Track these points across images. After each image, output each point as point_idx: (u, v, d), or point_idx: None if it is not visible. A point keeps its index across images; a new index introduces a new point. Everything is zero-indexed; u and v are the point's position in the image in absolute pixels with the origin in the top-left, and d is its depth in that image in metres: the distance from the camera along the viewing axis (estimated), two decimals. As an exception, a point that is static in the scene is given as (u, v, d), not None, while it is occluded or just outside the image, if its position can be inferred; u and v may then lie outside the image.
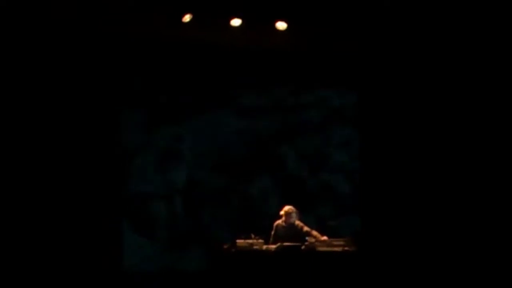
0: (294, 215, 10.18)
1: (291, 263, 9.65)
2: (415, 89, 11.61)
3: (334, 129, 12.22)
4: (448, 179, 11.23)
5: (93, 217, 10.92)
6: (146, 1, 10.35)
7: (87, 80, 11.10)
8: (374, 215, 11.63)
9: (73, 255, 10.66)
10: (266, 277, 9.63)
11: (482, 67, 11.10)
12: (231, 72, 11.76)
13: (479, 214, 10.96)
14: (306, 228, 10.14)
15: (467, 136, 11.21)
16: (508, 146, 10.95)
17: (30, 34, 10.59)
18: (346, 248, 9.77)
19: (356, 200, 11.96)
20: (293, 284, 9.60)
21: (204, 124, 11.91)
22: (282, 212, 10.23)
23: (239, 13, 10.66)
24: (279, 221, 10.26)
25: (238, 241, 9.79)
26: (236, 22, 10.70)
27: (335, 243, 9.84)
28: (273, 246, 9.84)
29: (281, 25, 10.83)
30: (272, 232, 10.20)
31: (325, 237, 9.98)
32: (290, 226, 10.15)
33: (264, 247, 9.83)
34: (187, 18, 10.45)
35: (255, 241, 9.80)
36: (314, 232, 10.07)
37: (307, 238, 9.85)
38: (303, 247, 9.72)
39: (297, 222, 10.20)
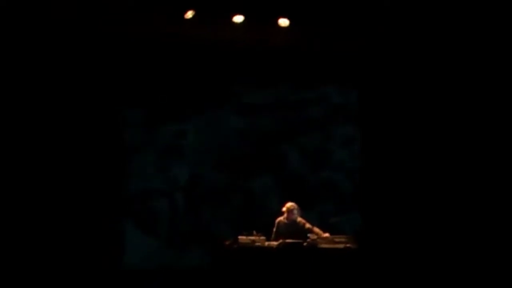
0: (295, 212, 10.19)
1: (293, 260, 9.65)
2: (416, 87, 11.59)
3: (335, 127, 12.21)
4: (449, 174, 11.21)
5: (94, 215, 10.93)
6: (146, 0, 10.34)
7: (88, 79, 11.12)
8: (376, 212, 11.61)
9: (74, 252, 10.67)
10: (268, 274, 9.63)
11: (482, 67, 11.09)
12: (233, 69, 11.75)
13: (479, 214, 10.94)
14: (308, 225, 10.14)
15: (468, 135, 11.19)
16: (509, 142, 10.94)
17: (31, 34, 10.59)
18: (347, 245, 9.77)
19: (357, 197, 11.95)
20: (294, 281, 9.60)
21: (205, 122, 11.93)
22: (284, 209, 10.24)
23: (241, 10, 10.64)
24: (281, 218, 10.26)
25: (240, 237, 9.80)
26: (238, 19, 10.67)
27: (337, 240, 9.85)
28: (275, 243, 9.85)
29: (283, 22, 10.79)
30: (274, 229, 10.21)
31: (326, 234, 9.98)
32: (292, 223, 10.15)
33: (266, 243, 9.85)
34: (189, 14, 10.43)
35: (257, 237, 9.81)
36: (316, 229, 10.08)
37: (309, 235, 9.86)
38: (305, 244, 9.72)
39: (299, 219, 10.21)
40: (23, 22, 10.44)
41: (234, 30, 10.83)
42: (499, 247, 10.73)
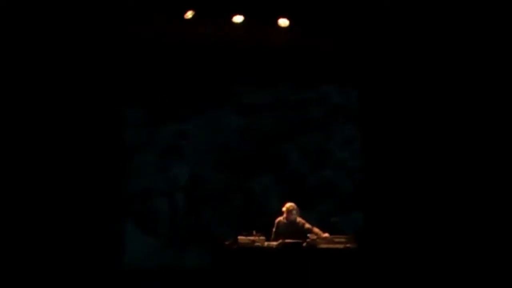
0: (295, 212, 10.19)
1: (293, 260, 9.65)
2: (417, 86, 11.59)
3: (336, 126, 12.23)
4: (449, 174, 11.21)
5: (95, 214, 10.94)
6: (146, 0, 10.35)
7: (89, 79, 11.12)
8: (376, 212, 11.61)
9: (74, 251, 10.67)
10: (268, 274, 9.63)
11: (482, 66, 11.09)
12: (233, 69, 11.75)
13: (479, 214, 10.93)
14: (307, 225, 10.15)
15: (468, 134, 11.19)
16: (509, 142, 10.94)
17: (31, 34, 10.59)
18: (347, 245, 9.77)
19: (357, 197, 11.96)
20: (294, 281, 9.60)
21: (206, 121, 11.94)
22: (283, 209, 10.24)
23: (241, 10, 10.65)
24: (280, 218, 10.27)
25: (239, 237, 9.80)
26: (238, 18, 10.68)
27: (337, 240, 9.85)
28: (274, 243, 9.85)
29: (283, 22, 10.80)
30: (274, 229, 10.22)
31: (326, 234, 9.98)
32: (292, 223, 10.16)
33: (266, 243, 9.85)
34: (189, 14, 10.43)
35: (256, 238, 9.81)
36: (316, 229, 10.08)
37: (308, 235, 9.86)
38: (304, 244, 9.73)
39: (299, 219, 10.21)
40: (23, 22, 10.45)
41: (234, 30, 10.84)
42: (499, 246, 10.72)
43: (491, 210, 10.90)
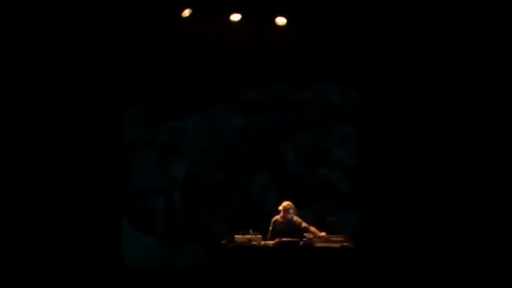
0: (291, 210, 10.20)
1: (289, 258, 9.67)
2: (416, 86, 11.57)
3: (333, 126, 12.22)
4: (447, 174, 11.21)
5: (93, 213, 10.90)
6: (146, 0, 10.37)
7: (88, 78, 11.09)
8: (373, 211, 11.61)
9: (73, 250, 10.66)
10: (264, 273, 9.65)
11: (482, 66, 11.07)
12: (231, 68, 11.73)
13: (478, 213, 10.92)
14: (304, 224, 10.16)
15: (467, 134, 11.19)
16: (509, 142, 10.95)
17: (31, 34, 10.59)
18: (344, 244, 9.79)
19: (354, 196, 11.97)
20: (291, 280, 9.61)
21: (204, 120, 11.95)
22: (280, 208, 10.25)
23: (239, 9, 10.66)
24: (277, 217, 10.28)
25: (236, 236, 9.83)
26: (235, 17, 10.68)
27: (333, 239, 9.86)
28: (271, 242, 9.87)
29: (281, 21, 10.80)
30: (270, 228, 10.22)
31: (323, 233, 10.00)
32: (288, 222, 10.17)
33: (262, 242, 9.87)
34: (186, 12, 10.43)
35: (253, 236, 9.83)
36: (312, 228, 10.10)
37: (305, 234, 9.88)
38: (301, 243, 9.74)
39: (295, 218, 10.22)
40: (23, 22, 10.46)
41: (232, 29, 10.84)
42: (499, 246, 10.73)
43: (489, 210, 10.89)
